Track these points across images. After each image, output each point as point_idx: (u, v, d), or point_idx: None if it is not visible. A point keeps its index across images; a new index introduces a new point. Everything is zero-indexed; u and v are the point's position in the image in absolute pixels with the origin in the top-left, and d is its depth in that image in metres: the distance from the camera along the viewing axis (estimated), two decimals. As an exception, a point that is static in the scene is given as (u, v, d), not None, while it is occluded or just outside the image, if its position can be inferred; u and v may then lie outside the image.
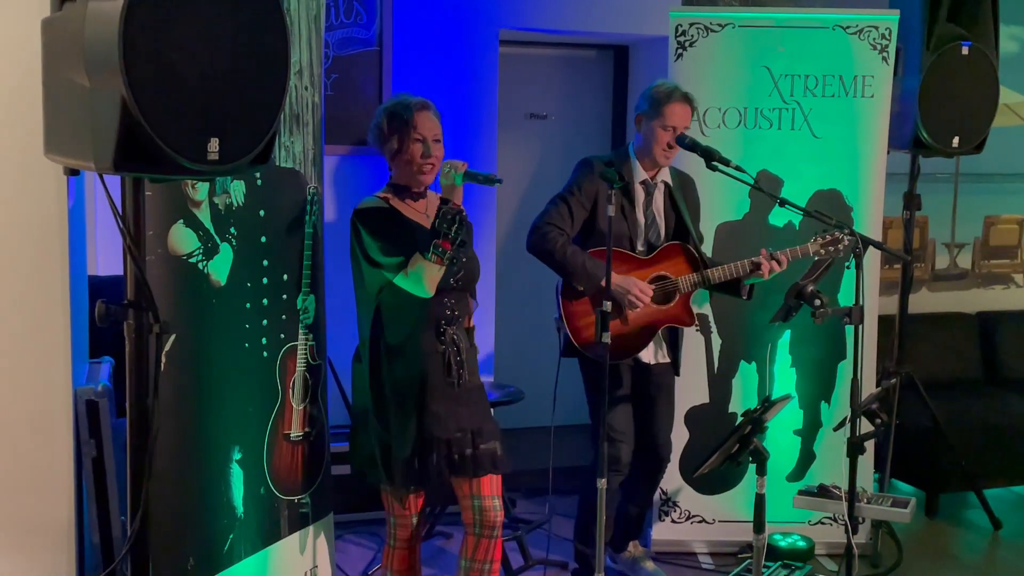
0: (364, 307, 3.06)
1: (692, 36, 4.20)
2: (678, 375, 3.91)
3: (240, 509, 3.02)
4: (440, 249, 2.87)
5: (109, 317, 1.99)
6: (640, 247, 3.69)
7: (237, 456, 3.00)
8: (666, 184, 3.76)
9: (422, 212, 3.11)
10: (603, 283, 3.36)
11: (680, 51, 4.20)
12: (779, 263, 3.61)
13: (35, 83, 1.94)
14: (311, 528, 3.35)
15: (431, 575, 4.14)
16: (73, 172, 1.98)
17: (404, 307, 2.97)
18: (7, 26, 2.43)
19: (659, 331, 3.71)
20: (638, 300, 3.54)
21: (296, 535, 3.29)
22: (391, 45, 4.93)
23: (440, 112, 3.13)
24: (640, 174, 3.70)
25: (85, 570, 2.81)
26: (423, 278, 2.91)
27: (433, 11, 4.98)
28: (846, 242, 3.51)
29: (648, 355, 3.76)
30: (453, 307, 3.10)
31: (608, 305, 3.01)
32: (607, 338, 2.98)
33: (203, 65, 1.82)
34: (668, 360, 3.82)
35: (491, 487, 3.11)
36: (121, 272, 2.08)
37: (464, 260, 3.11)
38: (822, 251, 3.58)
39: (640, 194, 3.71)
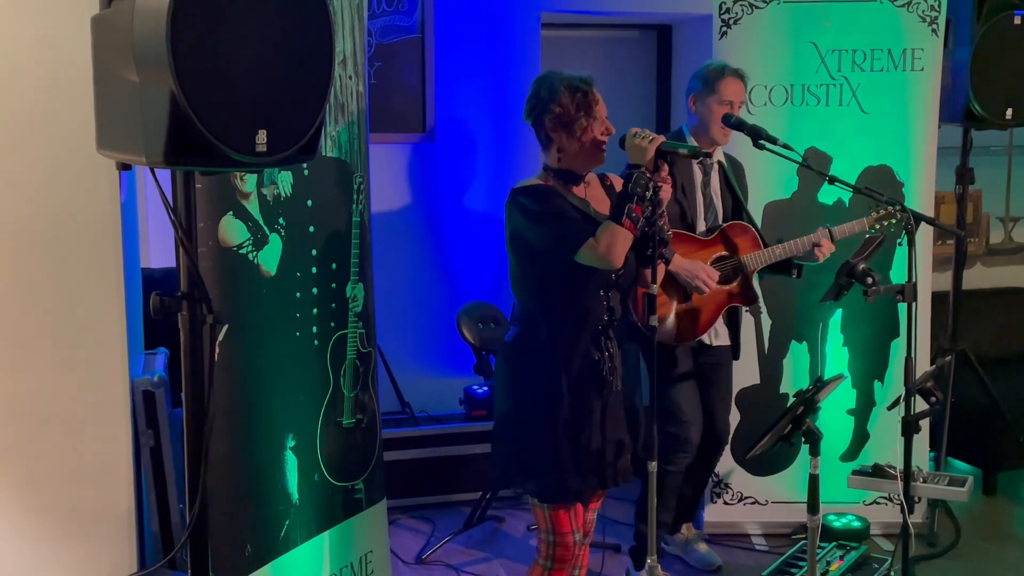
0: (523, 300, 2.90)
1: (736, 13, 4.15)
2: (737, 359, 3.89)
3: (295, 496, 3.06)
4: (634, 214, 2.65)
5: (163, 309, 2.01)
6: (701, 227, 3.68)
7: (291, 443, 3.04)
8: (721, 164, 3.73)
9: (582, 198, 2.89)
10: (669, 267, 3.38)
11: (725, 29, 4.16)
12: (832, 241, 3.58)
13: (86, 80, 1.97)
14: (365, 513, 3.39)
15: (484, 558, 4.17)
16: (125, 167, 2.00)
17: (563, 305, 2.80)
18: (58, 24, 2.47)
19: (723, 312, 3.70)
20: (705, 285, 3.53)
21: (350, 520, 3.33)
22: (433, 31, 4.93)
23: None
24: None
25: (145, 557, 2.87)
26: (614, 245, 2.67)
27: (474, -4, 4.99)
28: (899, 216, 3.47)
29: (708, 335, 3.75)
30: (612, 308, 2.89)
31: (655, 288, 3.00)
32: (654, 321, 2.97)
33: (250, 58, 1.84)
34: (727, 342, 3.82)
35: (598, 499, 3.10)
36: (173, 264, 2.10)
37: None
38: (877, 225, 3.54)
39: (698, 174, 3.68)
